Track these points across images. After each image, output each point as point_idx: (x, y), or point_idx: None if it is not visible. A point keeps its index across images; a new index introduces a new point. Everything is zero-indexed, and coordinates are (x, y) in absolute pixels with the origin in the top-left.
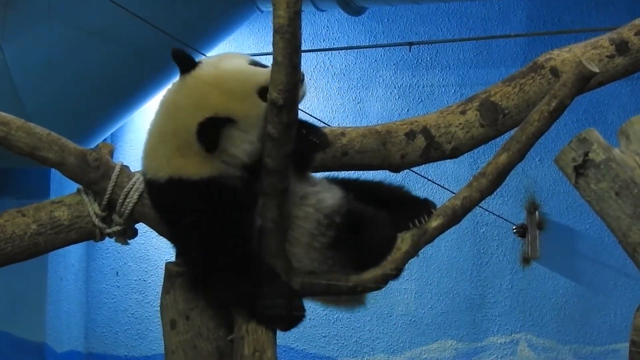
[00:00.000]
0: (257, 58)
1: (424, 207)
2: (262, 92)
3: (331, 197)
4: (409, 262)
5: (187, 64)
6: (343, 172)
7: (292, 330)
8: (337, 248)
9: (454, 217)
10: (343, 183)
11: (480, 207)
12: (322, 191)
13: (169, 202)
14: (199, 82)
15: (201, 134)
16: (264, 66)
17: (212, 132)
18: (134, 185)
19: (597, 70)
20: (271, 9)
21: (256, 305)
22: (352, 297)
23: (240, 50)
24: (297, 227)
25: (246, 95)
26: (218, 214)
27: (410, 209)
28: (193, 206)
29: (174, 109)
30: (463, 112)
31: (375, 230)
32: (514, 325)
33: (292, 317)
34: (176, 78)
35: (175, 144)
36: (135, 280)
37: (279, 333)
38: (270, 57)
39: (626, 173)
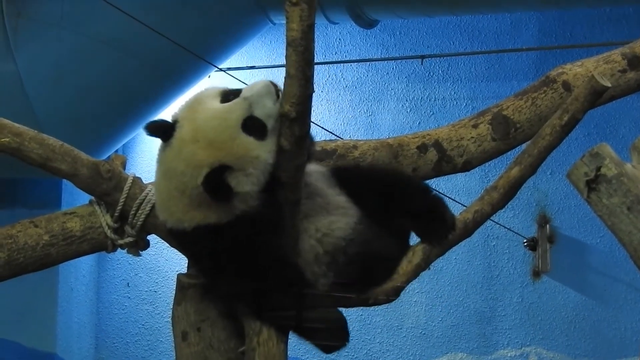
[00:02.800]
0: (269, 70)
1: (443, 225)
2: (245, 124)
3: (344, 229)
4: (420, 275)
5: (165, 132)
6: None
7: (303, 342)
8: (346, 271)
9: (466, 230)
10: (356, 182)
11: (491, 220)
12: (336, 221)
13: (198, 248)
14: (183, 144)
15: (211, 192)
16: (236, 91)
17: (218, 185)
18: (146, 197)
19: (609, 84)
20: (284, 22)
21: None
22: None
23: (252, 62)
24: (308, 258)
25: (230, 138)
26: (254, 247)
27: (429, 224)
28: (227, 246)
29: (174, 174)
30: (475, 126)
31: (384, 263)
32: (524, 339)
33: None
34: (189, 89)
35: (189, 201)
36: (146, 291)
37: (290, 345)
38: (283, 70)
39: (638, 188)
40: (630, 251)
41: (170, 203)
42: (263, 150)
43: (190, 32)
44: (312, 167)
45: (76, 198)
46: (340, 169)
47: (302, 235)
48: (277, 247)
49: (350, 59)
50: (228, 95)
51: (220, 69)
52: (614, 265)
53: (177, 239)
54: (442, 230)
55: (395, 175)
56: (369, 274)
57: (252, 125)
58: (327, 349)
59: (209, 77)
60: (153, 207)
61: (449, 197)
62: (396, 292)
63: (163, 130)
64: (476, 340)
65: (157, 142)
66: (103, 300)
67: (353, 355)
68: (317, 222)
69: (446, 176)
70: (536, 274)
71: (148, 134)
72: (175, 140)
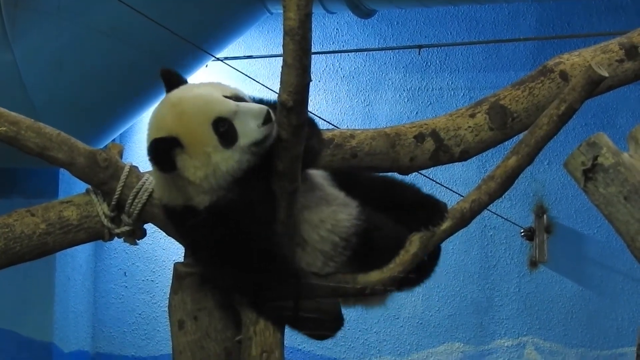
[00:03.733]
0: (267, 60)
1: (437, 210)
2: (217, 122)
3: (347, 219)
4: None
5: (172, 84)
6: None
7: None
8: (350, 262)
9: (463, 220)
10: (355, 183)
11: (488, 210)
12: (338, 211)
13: (185, 230)
14: (166, 102)
15: (153, 158)
16: (245, 100)
17: (163, 155)
18: (143, 185)
19: (606, 74)
20: (281, 11)
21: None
22: (362, 298)
23: (249, 52)
24: (313, 249)
25: (197, 123)
26: (235, 235)
27: (422, 211)
28: (210, 231)
29: (148, 128)
30: (472, 116)
31: (390, 249)
32: (521, 329)
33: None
34: (187, 78)
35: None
36: (143, 280)
37: (286, 334)
38: (281, 59)
39: (635, 177)
40: (628, 241)
41: (158, 179)
42: (219, 155)
43: (187, 21)
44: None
45: (73, 187)
46: (337, 172)
47: (303, 225)
48: (263, 235)
49: (348, 48)
50: (232, 97)
51: (218, 59)
52: (611, 256)
53: (167, 217)
54: (436, 216)
55: (386, 178)
56: (381, 256)
57: (223, 128)
58: (320, 337)
59: (207, 66)
60: (150, 195)
61: (446, 187)
62: (393, 283)
63: (173, 80)
64: (473, 330)
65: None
66: (100, 289)
67: (350, 345)
68: (319, 213)
69: (443, 166)
70: (533, 264)
71: (160, 76)
72: (165, 97)
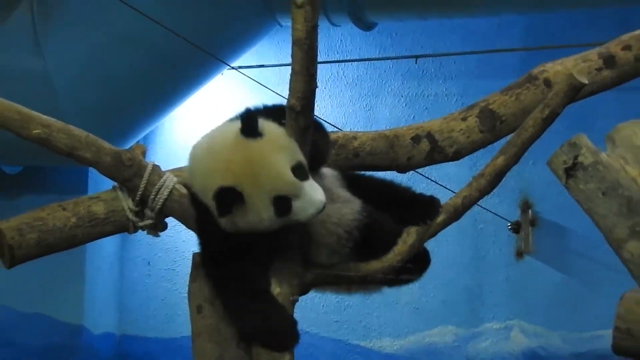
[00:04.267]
0: (278, 69)
1: (432, 206)
2: (278, 198)
3: (351, 213)
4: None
5: (250, 129)
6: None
7: (308, 315)
8: (353, 253)
9: (455, 214)
10: (358, 184)
11: (478, 205)
12: (343, 207)
13: (206, 240)
14: (241, 151)
15: (216, 197)
16: (306, 170)
17: (224, 201)
18: (164, 183)
19: (586, 81)
20: (290, 24)
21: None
22: (363, 286)
23: (262, 61)
24: (319, 243)
25: (265, 191)
26: (238, 265)
27: (419, 207)
28: (222, 257)
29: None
30: (464, 119)
31: (389, 242)
32: (508, 313)
33: (282, 337)
34: (204, 85)
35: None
36: (165, 269)
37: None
38: (290, 68)
39: (612, 175)
40: (606, 233)
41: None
42: (268, 219)
43: (205, 33)
44: (323, 169)
45: (100, 184)
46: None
47: (319, 225)
48: (248, 273)
49: (351, 58)
50: (297, 168)
51: (232, 67)
52: (591, 247)
53: (192, 203)
54: (432, 210)
55: (385, 180)
56: (381, 247)
57: (282, 204)
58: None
59: (222, 74)
60: (171, 192)
61: (440, 184)
62: (392, 271)
63: (249, 126)
64: (465, 315)
65: (174, 135)
66: (125, 277)
67: (352, 328)
68: (326, 209)
69: (437, 165)
70: (519, 254)
71: (242, 118)
72: (240, 142)
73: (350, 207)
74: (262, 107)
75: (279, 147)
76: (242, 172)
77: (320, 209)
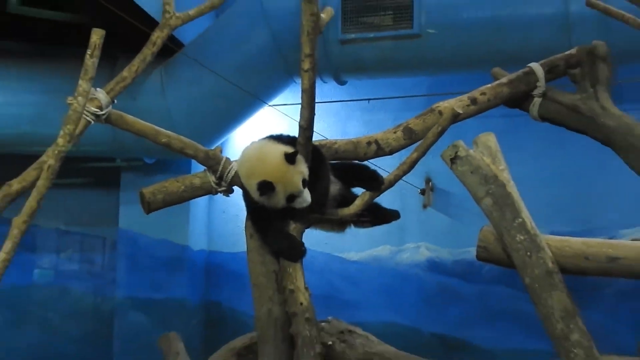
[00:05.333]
0: (297, 105)
1: (378, 180)
2: (291, 195)
3: (336, 189)
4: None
5: (291, 161)
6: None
7: (308, 239)
8: (335, 206)
9: (390, 184)
10: (339, 168)
11: (403, 180)
12: (334, 186)
13: (246, 203)
14: (280, 159)
15: (259, 186)
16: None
17: (265, 188)
18: (231, 167)
19: (461, 112)
20: (300, 81)
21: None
22: (340, 225)
23: (285, 101)
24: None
25: (285, 191)
26: (268, 218)
27: (372, 180)
28: (256, 213)
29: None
30: (395, 132)
31: (353, 200)
32: (418, 238)
33: (295, 253)
34: (254, 114)
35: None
36: (233, 214)
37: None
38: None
39: (476, 162)
40: (473, 194)
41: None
42: (281, 204)
43: (254, 86)
44: None
45: (197, 168)
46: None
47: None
48: (274, 224)
49: (334, 100)
50: (304, 178)
51: (269, 105)
52: (465, 201)
53: (242, 188)
54: (378, 182)
55: (354, 164)
56: (349, 203)
57: (292, 197)
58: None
59: (264, 109)
60: (235, 173)
61: (383, 169)
62: (355, 216)
63: (292, 160)
64: (395, 239)
65: (236, 143)
66: (211, 218)
67: (334, 246)
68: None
69: (381, 158)
70: (424, 206)
71: (289, 156)
72: (280, 153)
73: (335, 186)
74: (285, 135)
75: (299, 172)
76: (279, 178)
77: (308, 203)
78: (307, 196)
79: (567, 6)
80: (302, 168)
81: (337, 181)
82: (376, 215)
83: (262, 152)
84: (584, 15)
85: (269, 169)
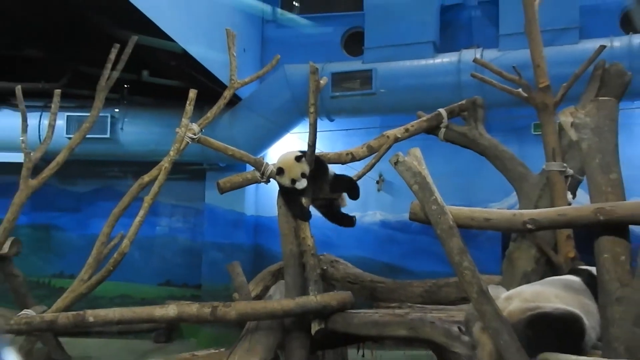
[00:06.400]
0: (304, 133)
1: (352, 182)
2: (293, 179)
3: (332, 174)
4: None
5: (299, 160)
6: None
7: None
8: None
9: (359, 177)
10: (335, 178)
11: (367, 176)
12: (326, 184)
13: (279, 186)
14: (291, 158)
15: (277, 169)
16: (306, 173)
17: (278, 172)
18: (269, 167)
19: (400, 136)
20: (308, 119)
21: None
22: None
23: (299, 130)
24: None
25: (288, 177)
26: (289, 195)
27: (354, 190)
28: (283, 192)
29: (280, 160)
30: (362, 148)
31: (342, 183)
32: (375, 208)
33: (305, 217)
34: (281, 138)
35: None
36: (270, 195)
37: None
38: (326, 133)
39: (409, 164)
40: (408, 184)
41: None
42: (288, 184)
43: (282, 122)
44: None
45: (250, 168)
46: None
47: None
48: (295, 200)
49: (331, 129)
50: (304, 171)
51: (291, 133)
52: (403, 187)
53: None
54: (356, 193)
55: (345, 177)
56: (341, 186)
57: (293, 181)
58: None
59: (287, 135)
60: (271, 170)
61: (355, 169)
62: (337, 196)
63: (299, 160)
64: (362, 208)
65: (272, 154)
66: (258, 196)
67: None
68: (324, 186)
69: (353, 163)
70: (378, 190)
71: (297, 157)
72: (292, 155)
73: (326, 186)
74: (301, 150)
75: (301, 167)
76: (288, 168)
77: (303, 187)
78: (303, 182)
79: (459, 77)
80: (303, 167)
81: (333, 172)
82: (340, 220)
83: (285, 156)
84: (469, 81)
85: (284, 163)
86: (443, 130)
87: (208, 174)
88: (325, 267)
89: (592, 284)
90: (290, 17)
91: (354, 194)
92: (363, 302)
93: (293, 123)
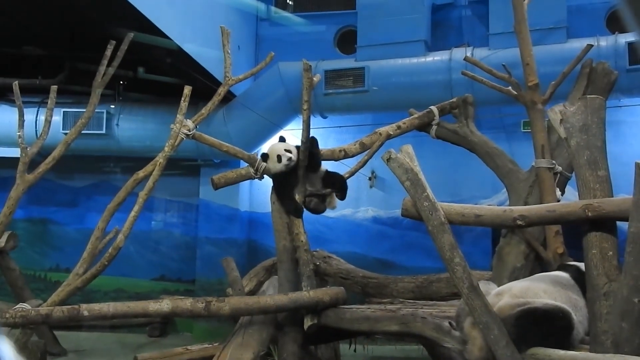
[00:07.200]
0: (297, 130)
1: (342, 179)
2: (279, 155)
3: (324, 171)
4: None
5: (282, 140)
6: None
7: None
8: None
9: (351, 174)
10: (327, 175)
11: (360, 172)
12: (316, 182)
13: (274, 185)
14: (275, 145)
15: (262, 155)
16: (291, 150)
17: (263, 157)
18: (261, 163)
19: (392, 133)
20: (301, 116)
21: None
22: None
23: (293, 127)
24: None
25: (274, 155)
26: (281, 184)
27: (342, 190)
28: (277, 187)
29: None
30: (354, 144)
31: (333, 180)
32: (368, 204)
33: (298, 212)
34: (276, 134)
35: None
36: (265, 192)
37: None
38: (323, 129)
39: (401, 160)
40: (400, 180)
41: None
42: (274, 165)
43: (276, 119)
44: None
45: (243, 164)
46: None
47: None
48: (286, 189)
49: (322, 126)
50: (289, 149)
51: (285, 129)
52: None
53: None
54: (344, 193)
55: (336, 175)
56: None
57: (280, 157)
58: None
59: (282, 130)
60: (264, 168)
61: (348, 165)
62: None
63: (282, 140)
64: (355, 204)
65: (265, 149)
66: (252, 193)
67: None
68: (315, 182)
69: (347, 159)
70: (371, 186)
71: (280, 139)
72: (277, 143)
73: (318, 181)
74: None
75: (285, 145)
76: (272, 150)
77: (288, 157)
78: (287, 154)
79: (450, 75)
80: (287, 145)
81: (325, 169)
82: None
83: (271, 144)
84: (459, 80)
85: (268, 149)
86: (434, 127)
87: (202, 169)
88: (318, 263)
89: (580, 279)
90: (284, 16)
91: (342, 194)
92: (355, 297)
93: (287, 120)
